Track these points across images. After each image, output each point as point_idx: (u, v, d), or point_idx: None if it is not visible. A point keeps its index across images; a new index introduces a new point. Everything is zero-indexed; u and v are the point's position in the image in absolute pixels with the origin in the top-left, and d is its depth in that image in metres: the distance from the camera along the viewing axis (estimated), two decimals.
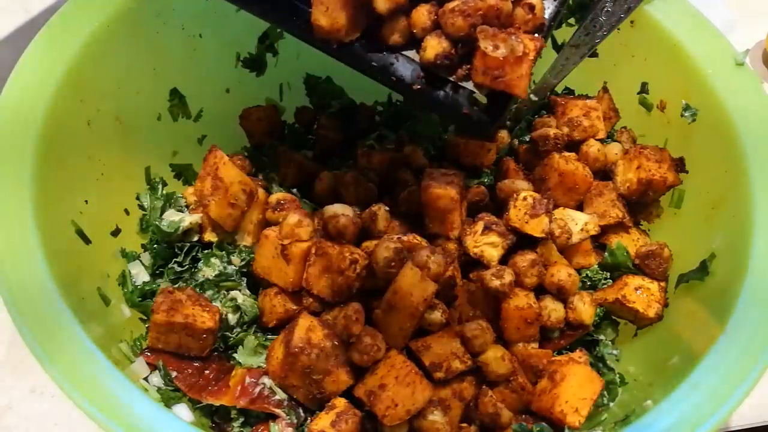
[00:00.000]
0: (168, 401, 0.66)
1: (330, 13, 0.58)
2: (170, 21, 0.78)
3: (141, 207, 0.79)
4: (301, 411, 0.66)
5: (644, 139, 0.84)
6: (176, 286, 0.72)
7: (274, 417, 0.66)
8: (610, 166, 0.80)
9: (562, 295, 0.72)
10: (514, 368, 0.68)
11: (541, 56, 0.88)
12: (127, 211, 0.78)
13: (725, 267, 0.69)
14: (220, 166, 0.71)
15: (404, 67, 0.61)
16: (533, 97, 0.83)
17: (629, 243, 0.77)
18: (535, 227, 0.69)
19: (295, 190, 0.80)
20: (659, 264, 0.75)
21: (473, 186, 0.77)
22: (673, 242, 0.76)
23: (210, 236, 0.74)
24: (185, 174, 0.85)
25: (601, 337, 0.76)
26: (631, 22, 0.79)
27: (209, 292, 0.72)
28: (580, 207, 0.78)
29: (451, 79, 0.60)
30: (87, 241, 0.69)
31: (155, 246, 0.75)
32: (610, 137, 0.84)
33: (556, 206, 0.75)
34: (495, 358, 0.66)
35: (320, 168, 0.79)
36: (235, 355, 0.70)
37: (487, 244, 0.69)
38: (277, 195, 0.75)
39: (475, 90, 0.61)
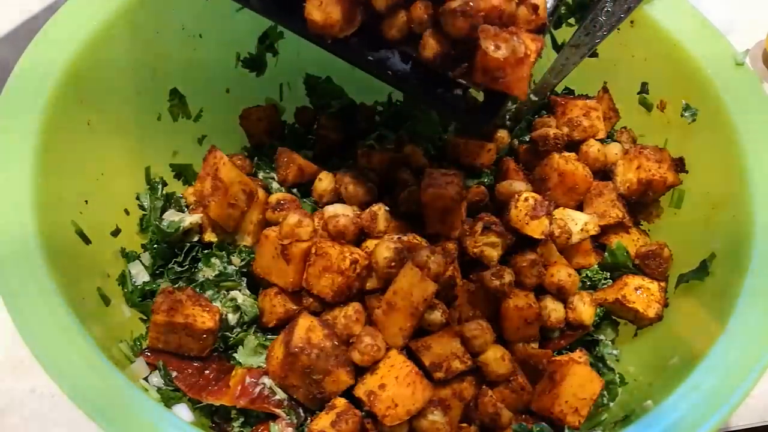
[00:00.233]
0: (168, 401, 0.66)
1: (324, 7, 0.57)
2: (170, 21, 0.78)
3: (141, 207, 0.79)
4: (301, 411, 0.66)
5: (644, 139, 0.84)
6: (176, 286, 0.72)
7: (274, 417, 0.66)
8: (610, 166, 0.80)
9: (562, 295, 0.72)
10: (514, 368, 0.68)
11: (541, 56, 0.89)
12: (127, 211, 0.77)
13: (725, 267, 0.69)
14: (220, 167, 0.71)
15: (401, 62, 0.61)
16: (533, 97, 0.83)
17: (629, 243, 0.77)
18: (536, 228, 0.69)
19: (295, 190, 0.80)
20: (659, 264, 0.75)
21: (473, 186, 0.77)
22: (673, 242, 0.76)
23: (210, 236, 0.74)
24: (185, 174, 0.85)
25: (601, 337, 0.76)
26: (631, 22, 0.79)
27: (209, 292, 0.72)
28: (580, 207, 0.78)
29: (449, 74, 0.60)
30: (87, 241, 0.69)
31: (155, 246, 0.75)
32: (610, 137, 0.84)
33: (556, 206, 0.75)
34: (495, 358, 0.66)
35: (320, 168, 0.79)
36: (235, 355, 0.70)
37: (487, 244, 0.69)
38: (277, 195, 0.75)
39: (471, 86, 0.60)
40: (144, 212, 0.79)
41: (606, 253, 0.77)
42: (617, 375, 0.74)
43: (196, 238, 0.76)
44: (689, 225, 0.77)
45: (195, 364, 0.68)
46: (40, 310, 0.57)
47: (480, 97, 0.63)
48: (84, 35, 0.69)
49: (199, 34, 0.81)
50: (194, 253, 0.75)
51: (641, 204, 0.80)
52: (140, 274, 0.75)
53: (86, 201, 0.70)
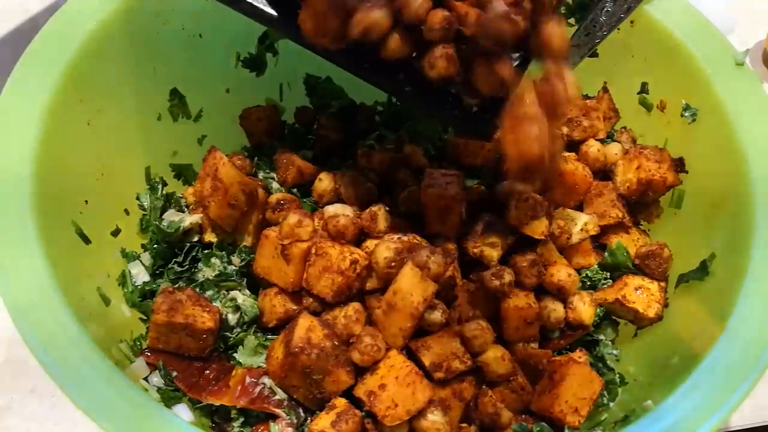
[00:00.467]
0: (168, 401, 0.66)
1: (317, 17, 0.57)
2: (170, 21, 0.78)
3: (141, 207, 0.79)
4: (301, 411, 0.66)
5: (644, 139, 0.84)
6: (176, 286, 0.72)
7: (274, 417, 0.66)
8: (610, 167, 0.80)
9: (562, 295, 0.72)
10: (514, 368, 0.68)
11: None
12: (127, 211, 0.77)
13: (725, 267, 0.69)
14: (220, 167, 0.71)
15: (397, 69, 0.61)
16: None
17: (629, 243, 0.77)
18: (535, 229, 0.69)
19: (295, 190, 0.80)
20: (659, 264, 0.75)
21: (473, 186, 0.77)
22: (673, 242, 0.76)
23: (210, 237, 0.74)
24: (185, 174, 0.85)
25: (601, 337, 0.76)
26: (631, 22, 0.79)
27: (209, 292, 0.72)
28: (580, 207, 0.78)
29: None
30: (87, 241, 0.69)
31: (155, 246, 0.75)
32: (610, 137, 0.84)
33: (556, 207, 0.75)
34: (495, 358, 0.66)
35: (320, 168, 0.79)
36: (235, 355, 0.70)
37: (487, 244, 0.69)
38: (277, 195, 0.75)
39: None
40: (144, 212, 0.79)
41: (606, 253, 0.77)
42: (617, 375, 0.74)
43: (196, 238, 0.76)
44: (689, 225, 0.77)
45: (195, 364, 0.68)
46: (40, 310, 0.57)
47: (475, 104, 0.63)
48: (84, 35, 0.69)
49: (199, 34, 0.81)
50: (194, 253, 0.75)
51: (641, 204, 0.80)
52: (140, 274, 0.75)
53: (86, 201, 0.70)
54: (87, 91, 0.70)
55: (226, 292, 0.72)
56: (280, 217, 0.71)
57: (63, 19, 0.70)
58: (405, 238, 0.68)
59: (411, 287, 0.62)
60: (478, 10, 0.56)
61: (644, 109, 0.83)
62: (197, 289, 0.71)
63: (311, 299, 0.67)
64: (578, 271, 0.75)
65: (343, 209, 0.70)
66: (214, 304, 0.70)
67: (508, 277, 0.67)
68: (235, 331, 0.71)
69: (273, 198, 0.75)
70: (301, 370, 0.62)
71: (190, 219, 0.74)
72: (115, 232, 0.75)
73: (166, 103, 0.82)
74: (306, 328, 0.63)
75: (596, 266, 0.77)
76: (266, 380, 0.66)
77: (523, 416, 0.70)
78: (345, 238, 0.67)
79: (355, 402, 0.63)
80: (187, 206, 0.80)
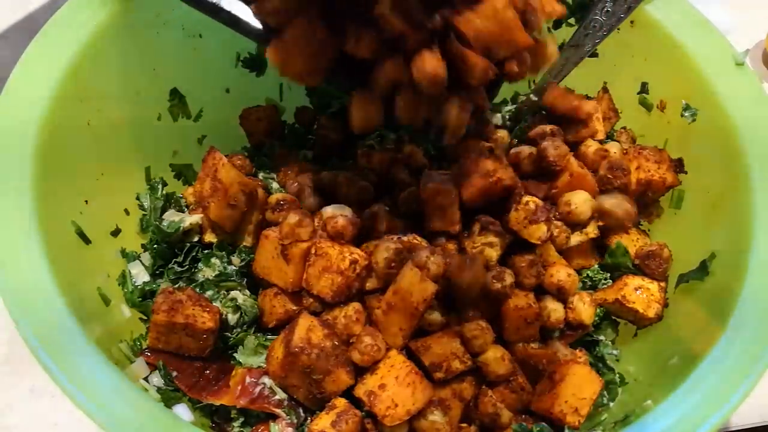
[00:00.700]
0: (168, 401, 0.66)
1: (285, 55, 0.57)
2: (170, 21, 0.78)
3: (141, 207, 0.79)
4: (301, 411, 0.66)
5: (644, 140, 0.84)
6: (176, 286, 0.72)
7: (274, 417, 0.66)
8: None
9: (561, 295, 0.72)
10: (514, 368, 0.68)
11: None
12: (127, 211, 0.77)
13: (725, 267, 0.69)
14: (219, 168, 0.71)
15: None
16: (533, 97, 0.83)
17: (629, 243, 0.77)
18: (533, 233, 0.69)
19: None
20: (659, 264, 0.75)
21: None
22: (673, 242, 0.76)
23: (210, 237, 0.74)
24: (185, 174, 0.85)
25: (601, 337, 0.76)
26: (631, 22, 0.79)
27: (209, 293, 0.71)
28: None
29: None
30: (87, 241, 0.69)
31: (155, 246, 0.75)
32: (610, 137, 0.84)
33: (557, 209, 0.75)
34: (495, 358, 0.66)
35: (320, 168, 0.79)
36: (235, 355, 0.70)
37: (485, 244, 0.69)
38: (277, 195, 0.75)
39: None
40: (144, 212, 0.79)
41: (606, 253, 0.77)
42: (617, 375, 0.74)
43: (196, 239, 0.75)
44: (689, 225, 0.77)
45: (195, 364, 0.68)
46: (40, 310, 0.57)
47: None
48: (84, 35, 0.69)
49: (199, 34, 0.81)
50: (194, 253, 0.75)
51: (641, 204, 0.80)
52: (140, 274, 0.75)
53: (86, 201, 0.70)
54: (87, 91, 0.70)
55: (226, 292, 0.72)
56: (279, 218, 0.71)
57: (63, 19, 0.70)
58: (405, 239, 0.68)
59: (411, 287, 0.62)
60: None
61: (644, 109, 0.83)
62: (197, 290, 0.71)
63: (311, 299, 0.67)
64: (578, 271, 0.75)
65: (341, 210, 0.70)
66: (214, 304, 0.70)
67: (509, 279, 0.67)
68: (235, 331, 0.71)
69: (273, 198, 0.75)
70: (301, 370, 0.62)
71: (190, 219, 0.74)
72: (115, 232, 0.75)
73: (166, 103, 0.82)
74: (306, 328, 0.63)
75: (596, 266, 0.77)
76: (266, 380, 0.66)
77: (523, 416, 0.70)
78: (344, 239, 0.67)
79: (355, 402, 0.63)
80: (187, 206, 0.80)
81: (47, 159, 0.64)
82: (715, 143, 0.73)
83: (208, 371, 0.68)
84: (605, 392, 0.71)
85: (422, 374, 0.63)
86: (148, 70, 0.78)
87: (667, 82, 0.79)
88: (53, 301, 0.57)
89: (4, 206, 0.60)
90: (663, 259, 0.75)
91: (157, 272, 0.76)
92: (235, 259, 0.73)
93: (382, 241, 0.66)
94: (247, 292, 0.73)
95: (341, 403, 0.63)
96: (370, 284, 0.67)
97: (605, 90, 0.85)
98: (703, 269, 0.71)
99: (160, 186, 0.80)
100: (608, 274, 0.77)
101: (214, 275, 0.73)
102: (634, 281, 0.74)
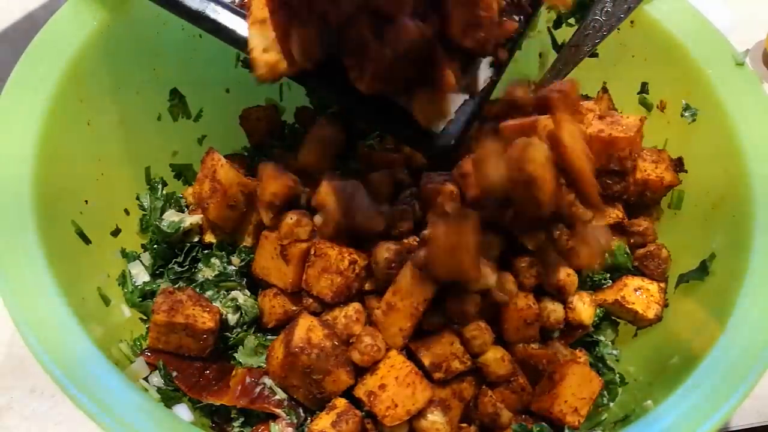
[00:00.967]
0: (168, 401, 0.66)
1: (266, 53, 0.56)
2: (170, 21, 0.78)
3: (141, 207, 0.79)
4: (301, 411, 0.66)
5: (644, 140, 0.83)
6: (176, 286, 0.72)
7: (274, 417, 0.66)
8: None
9: (561, 295, 0.72)
10: (514, 369, 0.68)
11: (542, 56, 0.89)
12: (127, 211, 0.78)
13: (725, 267, 0.69)
14: (218, 169, 0.71)
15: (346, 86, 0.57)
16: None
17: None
18: (531, 239, 0.69)
19: None
20: (658, 265, 0.75)
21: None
22: (673, 242, 0.76)
23: (210, 237, 0.74)
24: (185, 174, 0.85)
25: (601, 337, 0.76)
26: (631, 22, 0.79)
27: (209, 293, 0.72)
28: None
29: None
30: (87, 241, 0.69)
31: (155, 246, 0.75)
32: None
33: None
34: (495, 359, 0.66)
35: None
36: (235, 355, 0.70)
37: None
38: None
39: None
40: (144, 212, 0.79)
41: (606, 254, 0.77)
42: (617, 375, 0.74)
43: (196, 239, 0.76)
44: (689, 225, 0.77)
45: (195, 364, 0.68)
46: (40, 310, 0.57)
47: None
48: (84, 35, 0.69)
49: (199, 34, 0.81)
50: (194, 254, 0.75)
51: (641, 205, 0.80)
52: (140, 274, 0.75)
53: (86, 201, 0.70)
54: (87, 91, 0.70)
55: (226, 292, 0.72)
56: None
57: (63, 19, 0.70)
58: (405, 239, 0.68)
59: (411, 288, 0.62)
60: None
61: (644, 109, 0.83)
62: (197, 290, 0.71)
63: (311, 300, 0.67)
64: (578, 271, 0.75)
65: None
66: (214, 304, 0.70)
67: (512, 286, 0.66)
68: (235, 331, 0.71)
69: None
70: (302, 370, 0.62)
71: (190, 219, 0.74)
72: (115, 232, 0.75)
73: (166, 103, 0.82)
74: (306, 328, 0.63)
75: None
76: (266, 380, 0.66)
77: (523, 416, 0.70)
78: (343, 240, 0.67)
79: (355, 402, 0.63)
80: (187, 206, 0.80)
81: (47, 159, 0.64)
82: (715, 143, 0.73)
83: (208, 371, 0.68)
84: (605, 392, 0.71)
85: (422, 374, 0.63)
86: (148, 70, 0.78)
87: (667, 82, 0.79)
88: (53, 301, 0.57)
89: (4, 206, 0.60)
90: (661, 259, 0.75)
91: (157, 272, 0.76)
92: (235, 260, 0.73)
93: (382, 242, 0.66)
94: (247, 292, 0.73)
95: (341, 403, 0.63)
96: (370, 285, 0.67)
97: (605, 90, 0.85)
98: (703, 269, 0.71)
99: (160, 186, 0.80)
100: (608, 275, 0.77)
101: (213, 275, 0.73)
102: (633, 282, 0.74)
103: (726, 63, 0.74)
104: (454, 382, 0.66)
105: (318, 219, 0.68)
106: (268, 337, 0.71)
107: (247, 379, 0.67)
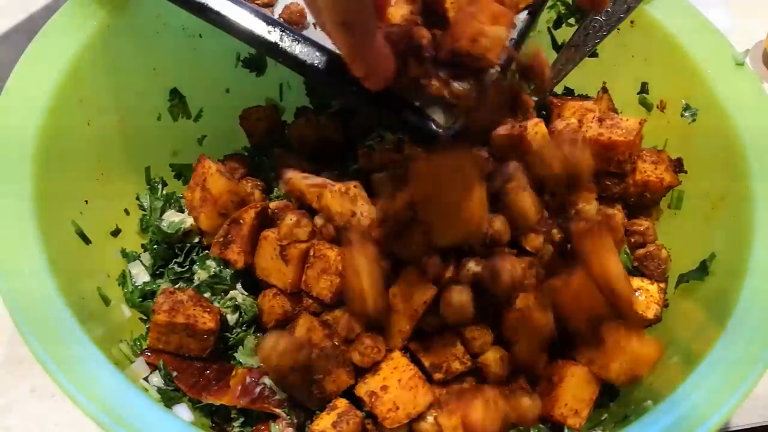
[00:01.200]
0: (168, 401, 0.66)
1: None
2: (170, 21, 0.78)
3: (141, 207, 0.79)
4: (301, 411, 0.66)
5: (644, 140, 0.83)
6: (176, 286, 0.72)
7: (274, 417, 0.66)
8: None
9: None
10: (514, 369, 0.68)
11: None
12: (127, 211, 0.78)
13: (725, 267, 0.69)
14: (208, 177, 0.71)
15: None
16: (533, 98, 0.83)
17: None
18: (530, 241, 0.69)
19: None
20: (657, 265, 0.75)
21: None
22: (673, 242, 0.76)
23: (210, 239, 0.74)
24: (185, 174, 0.85)
25: None
26: (631, 22, 0.79)
27: (206, 294, 0.71)
28: None
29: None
30: (87, 241, 0.69)
31: (155, 246, 0.75)
32: None
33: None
34: (495, 359, 0.66)
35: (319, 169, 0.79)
36: (235, 355, 0.70)
37: None
38: (272, 204, 0.74)
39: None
40: (144, 212, 0.79)
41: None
42: None
43: (196, 240, 0.75)
44: (689, 225, 0.77)
45: (195, 364, 0.68)
46: (40, 310, 0.57)
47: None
48: (84, 36, 0.69)
49: (199, 34, 0.81)
50: (194, 254, 0.75)
51: (641, 205, 0.80)
52: (140, 275, 0.75)
53: (86, 201, 0.70)
54: (87, 91, 0.70)
55: (223, 293, 0.72)
56: (277, 219, 0.71)
57: (63, 19, 0.70)
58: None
59: (411, 289, 0.62)
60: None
61: (644, 109, 0.83)
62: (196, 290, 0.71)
63: (311, 300, 0.67)
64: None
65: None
66: (213, 304, 0.69)
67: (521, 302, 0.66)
68: (235, 331, 0.71)
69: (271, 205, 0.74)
70: (302, 369, 0.62)
71: (190, 220, 0.74)
72: (115, 232, 0.75)
73: (166, 103, 0.82)
74: (306, 328, 0.63)
75: None
76: (266, 380, 0.66)
77: None
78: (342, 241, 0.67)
79: (355, 400, 0.63)
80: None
81: (47, 159, 0.64)
82: (715, 143, 0.73)
83: (208, 371, 0.68)
84: (605, 392, 0.71)
85: (425, 378, 0.63)
86: (148, 70, 0.78)
87: (667, 82, 0.79)
88: (53, 301, 0.57)
89: (4, 206, 0.60)
90: (661, 259, 0.75)
91: (157, 272, 0.76)
92: None
93: None
94: (245, 293, 0.72)
95: (342, 403, 0.63)
96: None
97: (605, 90, 0.85)
98: (703, 269, 0.71)
99: (160, 186, 0.80)
100: None
101: (208, 277, 0.72)
102: (633, 282, 0.74)
103: (726, 63, 0.74)
104: (454, 383, 0.66)
105: (318, 220, 0.68)
106: None
107: (248, 379, 0.67)
